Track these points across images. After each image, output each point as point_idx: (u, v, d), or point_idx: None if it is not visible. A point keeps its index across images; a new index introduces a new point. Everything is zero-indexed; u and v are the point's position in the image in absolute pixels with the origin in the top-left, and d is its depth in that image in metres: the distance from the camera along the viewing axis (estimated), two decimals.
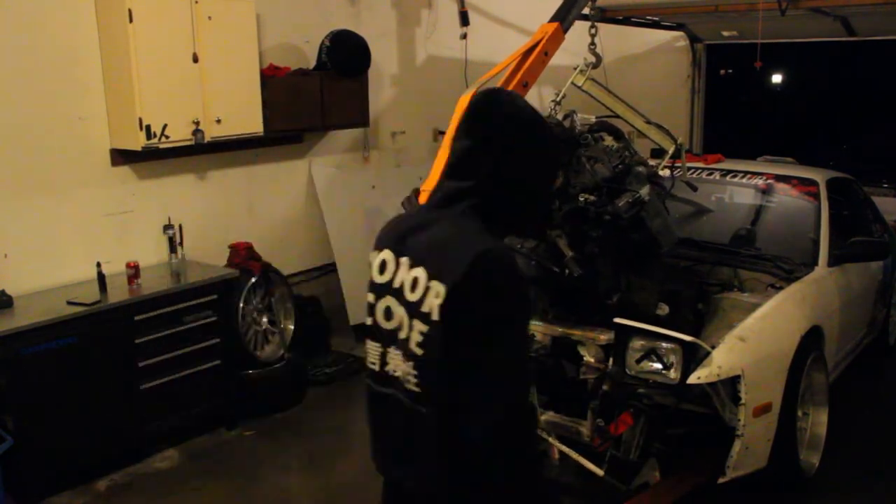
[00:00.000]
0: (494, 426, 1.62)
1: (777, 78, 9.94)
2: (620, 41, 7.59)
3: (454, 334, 1.62)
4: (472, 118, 1.75)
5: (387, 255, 1.79)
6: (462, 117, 1.77)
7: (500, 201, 1.71)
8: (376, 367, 1.83)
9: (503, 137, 1.71)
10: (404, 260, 1.73)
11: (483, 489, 1.68)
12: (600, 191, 3.49)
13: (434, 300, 1.63)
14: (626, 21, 6.93)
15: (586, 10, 4.66)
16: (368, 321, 1.86)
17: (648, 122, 4.44)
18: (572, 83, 4.28)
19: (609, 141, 3.75)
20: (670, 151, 4.39)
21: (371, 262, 1.85)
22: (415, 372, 1.69)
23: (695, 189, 4.53)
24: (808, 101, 9.84)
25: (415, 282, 1.68)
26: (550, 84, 4.71)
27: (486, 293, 1.60)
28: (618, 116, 4.36)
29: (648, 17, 7.25)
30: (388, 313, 1.78)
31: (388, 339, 1.78)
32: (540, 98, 7.46)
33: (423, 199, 2.64)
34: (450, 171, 1.75)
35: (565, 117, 3.91)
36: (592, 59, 4.20)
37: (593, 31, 4.00)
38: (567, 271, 3.45)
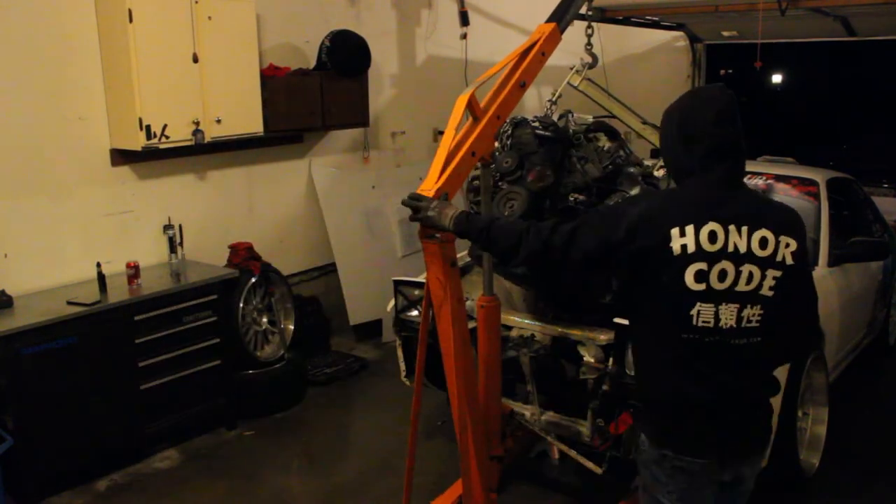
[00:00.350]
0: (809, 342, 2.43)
1: (777, 78, 9.94)
2: (620, 41, 7.59)
3: (798, 274, 2.21)
4: (733, 111, 2.27)
5: (714, 226, 2.15)
6: (721, 110, 2.25)
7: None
8: (710, 324, 2.17)
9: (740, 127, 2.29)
10: (733, 227, 2.15)
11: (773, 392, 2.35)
12: (590, 190, 3.50)
13: (786, 250, 2.17)
14: (626, 21, 6.93)
15: (583, 10, 4.66)
16: (698, 287, 2.14)
17: (644, 123, 4.44)
18: (568, 83, 4.28)
19: (604, 141, 3.75)
20: None
21: (676, 236, 2.14)
22: (761, 312, 2.17)
23: None
24: (808, 101, 9.84)
25: (764, 240, 2.16)
26: (550, 84, 4.71)
27: (804, 234, 2.26)
28: (614, 116, 4.36)
29: (648, 17, 7.25)
30: (724, 275, 2.14)
31: (722, 297, 2.15)
32: (539, 97, 7.47)
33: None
34: (721, 155, 2.22)
35: (560, 117, 3.91)
36: (589, 59, 4.20)
37: (590, 31, 4.00)
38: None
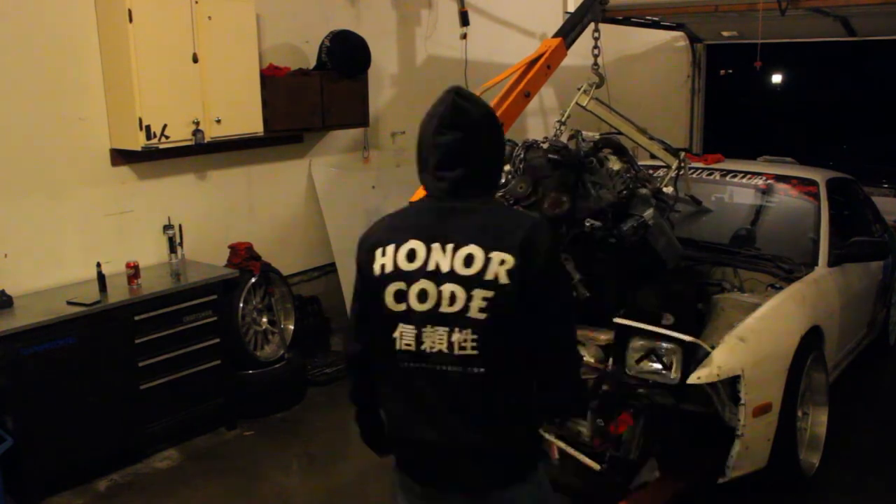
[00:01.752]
0: (577, 386, 2.11)
1: (777, 78, 9.94)
2: (620, 41, 7.59)
3: (520, 294, 1.92)
4: (456, 117, 2.02)
5: (414, 244, 2.01)
6: (442, 114, 2.03)
7: (490, 178, 2.08)
8: (412, 348, 2.00)
9: (483, 128, 2.04)
10: (437, 245, 1.98)
11: (523, 440, 2.04)
12: (605, 216, 3.53)
13: (500, 268, 1.91)
14: (626, 21, 6.93)
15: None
16: (399, 308, 2.01)
17: (651, 139, 4.48)
18: (577, 103, 4.31)
19: (613, 162, 3.78)
20: (673, 167, 4.44)
21: (378, 256, 2.07)
22: (474, 336, 1.93)
23: (699, 203, 4.55)
24: (808, 101, 9.83)
25: (469, 258, 1.94)
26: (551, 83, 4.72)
27: (545, 255, 1.95)
28: (622, 133, 4.40)
29: (648, 17, 7.24)
30: (423, 295, 1.98)
31: (424, 319, 1.98)
32: (541, 105, 7.47)
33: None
34: (440, 165, 2.02)
35: (571, 138, 3.93)
36: (596, 79, 4.23)
37: (596, 52, 4.04)
38: (575, 294, 3.52)
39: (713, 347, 3.30)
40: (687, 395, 3.32)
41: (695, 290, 3.95)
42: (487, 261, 1.93)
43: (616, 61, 4.60)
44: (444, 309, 1.96)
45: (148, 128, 4.31)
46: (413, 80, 6.51)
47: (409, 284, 2.00)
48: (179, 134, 4.46)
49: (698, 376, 3.19)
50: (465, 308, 1.94)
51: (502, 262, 1.92)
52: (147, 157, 4.63)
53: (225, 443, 4.57)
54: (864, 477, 4.10)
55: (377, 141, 6.30)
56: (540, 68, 3.18)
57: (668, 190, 4.13)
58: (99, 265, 4.31)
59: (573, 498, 3.96)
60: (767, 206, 4.89)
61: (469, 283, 1.94)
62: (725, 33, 7.51)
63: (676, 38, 8.33)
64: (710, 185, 5.00)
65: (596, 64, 4.19)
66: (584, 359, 3.47)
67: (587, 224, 3.52)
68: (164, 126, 4.37)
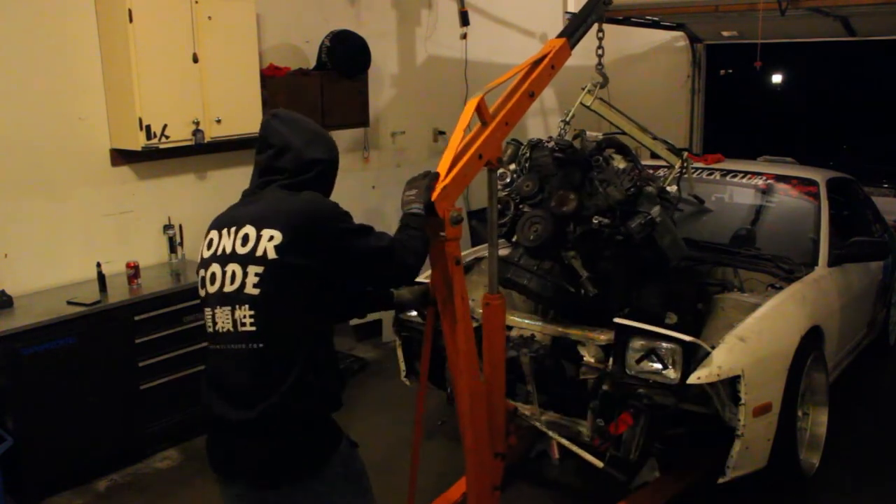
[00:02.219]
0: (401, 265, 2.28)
1: (777, 78, 9.94)
2: (620, 41, 7.59)
3: (291, 268, 2.04)
4: (270, 133, 2.31)
5: (213, 234, 2.22)
6: (266, 121, 2.33)
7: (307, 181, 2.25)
8: (211, 329, 2.16)
9: (298, 141, 2.27)
10: (226, 230, 2.16)
11: (309, 422, 2.11)
12: (613, 213, 3.54)
13: (269, 244, 2.04)
14: (626, 21, 6.93)
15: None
16: (202, 293, 2.20)
17: (655, 139, 4.50)
18: (581, 103, 4.33)
19: (618, 161, 3.79)
20: (676, 167, 4.44)
21: (203, 247, 2.25)
22: (251, 312, 2.05)
23: (702, 202, 4.55)
24: (808, 101, 9.84)
25: (245, 237, 2.09)
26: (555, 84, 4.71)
27: (312, 227, 2.08)
28: (625, 133, 4.41)
29: (648, 17, 7.24)
30: (213, 278, 2.15)
31: (214, 300, 2.14)
32: (542, 105, 7.46)
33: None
34: (262, 172, 2.31)
35: (575, 137, 3.94)
36: (600, 79, 4.25)
37: (600, 52, 4.05)
38: (583, 291, 3.52)
39: (713, 347, 3.30)
40: (687, 395, 3.31)
41: (695, 290, 3.95)
42: (258, 238, 2.07)
43: (616, 61, 4.61)
44: (227, 289, 2.10)
45: (148, 128, 4.31)
46: (413, 80, 6.51)
47: (205, 269, 2.18)
48: (179, 134, 4.46)
49: (698, 376, 3.19)
50: (242, 285, 2.07)
51: (271, 238, 2.05)
52: (147, 157, 4.63)
53: None
54: (864, 477, 4.10)
55: (377, 141, 6.30)
56: (544, 68, 3.19)
57: (672, 189, 4.14)
58: (99, 265, 4.31)
59: (573, 498, 3.97)
60: (767, 206, 4.89)
61: (244, 260, 2.08)
62: (725, 33, 7.51)
63: (676, 38, 8.33)
64: (710, 185, 5.00)
65: (600, 64, 4.20)
66: (585, 359, 3.47)
67: (595, 221, 3.51)
68: (165, 126, 4.37)
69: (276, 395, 2.04)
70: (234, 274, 2.09)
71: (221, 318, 2.11)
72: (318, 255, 2.07)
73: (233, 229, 2.13)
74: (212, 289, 2.14)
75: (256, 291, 2.05)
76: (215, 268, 2.14)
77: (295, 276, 2.05)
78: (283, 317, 2.06)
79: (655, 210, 3.54)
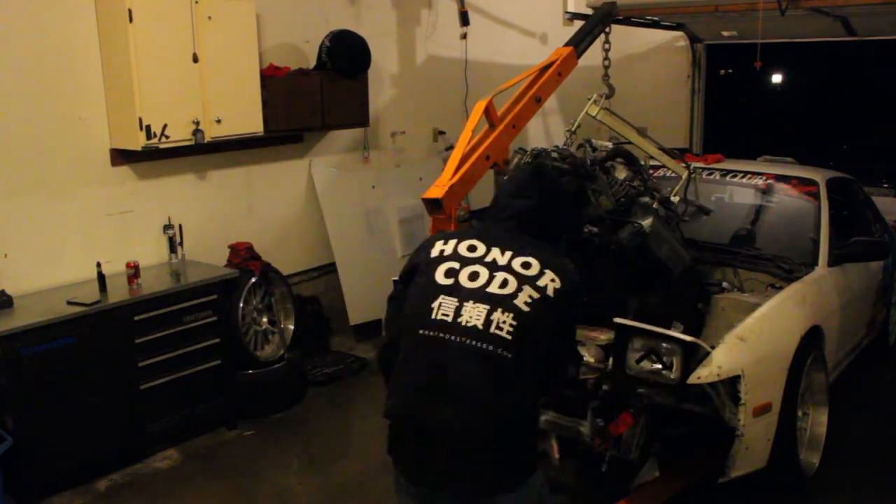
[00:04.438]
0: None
1: (777, 78, 9.93)
2: (620, 41, 7.56)
3: (555, 310, 2.17)
4: (531, 183, 2.37)
5: (476, 242, 2.26)
6: (519, 178, 2.41)
7: (555, 234, 2.39)
8: (449, 318, 2.15)
9: (553, 201, 2.38)
10: (498, 248, 2.23)
11: (525, 438, 2.16)
12: (603, 222, 3.59)
13: (550, 283, 2.17)
14: (626, 21, 6.92)
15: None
16: (446, 282, 2.20)
17: (661, 149, 4.52)
18: (587, 113, 4.36)
19: (621, 171, 3.82)
20: (683, 177, 4.46)
21: (441, 245, 2.29)
22: (515, 323, 2.11)
23: (707, 213, 4.56)
24: (808, 101, 9.83)
25: (527, 264, 2.19)
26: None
27: (575, 296, 2.25)
28: (632, 143, 4.44)
29: (648, 17, 7.24)
30: (475, 276, 2.19)
31: (469, 295, 2.16)
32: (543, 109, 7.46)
33: (433, 193, 2.72)
34: (511, 213, 2.33)
35: (579, 147, 3.98)
36: (606, 90, 4.28)
37: (607, 62, 4.09)
38: None
39: (713, 347, 3.30)
40: (687, 395, 3.32)
41: (695, 290, 3.95)
42: (542, 273, 2.17)
43: (616, 61, 4.62)
44: (493, 289, 2.15)
45: (148, 128, 4.31)
46: (413, 80, 6.51)
47: (462, 265, 2.21)
48: (179, 134, 4.46)
49: (698, 376, 3.19)
50: (514, 295, 2.13)
51: (553, 280, 2.17)
52: (147, 157, 4.63)
53: (225, 443, 4.57)
54: (864, 477, 4.10)
55: (377, 141, 6.30)
56: (551, 75, 3.27)
57: (676, 199, 4.19)
58: (99, 265, 4.31)
59: (573, 498, 3.97)
60: (767, 206, 4.89)
61: (523, 279, 2.16)
62: (725, 33, 7.51)
63: (676, 38, 8.33)
64: (710, 185, 5.00)
65: (606, 75, 4.25)
66: (584, 359, 3.47)
67: (585, 230, 3.55)
68: (165, 126, 4.37)
69: (508, 406, 2.10)
70: (505, 281, 2.16)
71: (469, 313, 2.13)
72: (563, 320, 2.23)
73: (508, 253, 2.21)
74: (468, 283, 2.17)
75: (527, 309, 2.12)
76: (479, 268, 2.19)
77: (551, 322, 2.17)
78: (533, 344, 2.13)
79: (648, 221, 3.58)
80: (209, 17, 4.49)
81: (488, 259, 2.21)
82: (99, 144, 4.49)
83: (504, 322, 2.10)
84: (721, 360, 3.24)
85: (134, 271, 4.33)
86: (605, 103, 4.38)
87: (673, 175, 4.69)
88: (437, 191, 2.74)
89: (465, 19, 6.77)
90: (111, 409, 4.08)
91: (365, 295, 5.82)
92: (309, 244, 5.83)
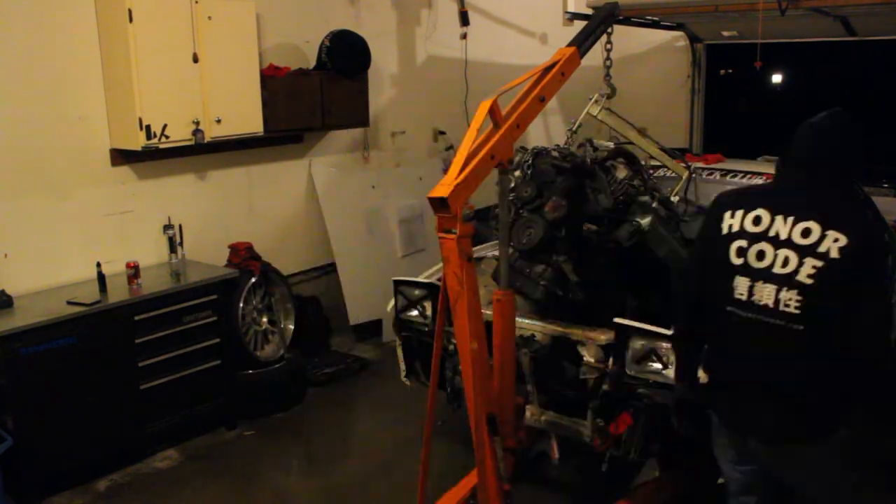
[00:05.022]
0: (884, 354, 2.39)
1: (777, 78, 9.93)
2: (620, 41, 7.56)
3: (846, 271, 2.27)
4: (832, 133, 2.57)
5: (761, 211, 2.43)
6: (818, 130, 2.54)
7: (844, 175, 2.53)
8: (744, 297, 2.42)
9: (849, 148, 2.57)
10: (781, 217, 2.38)
11: (826, 400, 2.38)
12: (602, 221, 3.61)
13: (834, 244, 2.27)
14: (626, 21, 6.92)
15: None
16: (738, 261, 2.45)
17: (662, 149, 4.53)
18: (588, 113, 4.37)
19: (621, 170, 3.83)
20: (684, 177, 4.47)
21: (729, 218, 2.50)
22: (799, 298, 2.31)
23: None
24: (809, 101, 9.82)
25: (807, 231, 2.32)
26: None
27: (871, 250, 2.30)
28: (632, 143, 4.45)
29: (648, 17, 7.23)
30: (761, 255, 2.40)
31: (758, 275, 2.40)
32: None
33: (439, 192, 2.73)
34: (796, 165, 2.49)
35: (580, 146, 4.00)
36: (607, 90, 4.29)
37: (609, 63, 4.11)
38: (570, 295, 3.58)
39: None
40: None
41: None
42: (823, 237, 2.29)
43: (616, 61, 4.63)
44: (777, 270, 2.36)
45: (148, 128, 4.31)
46: (413, 80, 6.51)
47: (750, 244, 2.43)
48: (179, 134, 4.46)
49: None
50: (795, 272, 2.32)
51: (836, 240, 2.27)
52: (147, 157, 4.63)
53: (225, 443, 4.57)
54: (864, 477, 4.09)
55: (377, 141, 6.30)
56: (554, 75, 3.32)
57: (676, 199, 4.20)
58: (99, 265, 4.31)
59: (573, 498, 3.97)
60: None
61: (803, 251, 2.32)
62: (725, 33, 7.51)
63: (676, 38, 8.33)
64: (710, 185, 4.99)
65: (608, 75, 4.26)
66: (585, 359, 3.47)
67: (584, 228, 3.57)
68: (164, 126, 4.37)
69: (808, 373, 2.36)
70: (787, 259, 2.34)
71: (761, 292, 2.38)
72: (862, 278, 2.30)
73: (779, 218, 2.37)
74: (756, 263, 2.40)
75: (810, 281, 2.29)
76: (765, 247, 2.39)
77: (844, 282, 2.29)
78: (827, 309, 2.31)
79: (646, 220, 3.60)
80: (209, 17, 4.50)
81: (772, 233, 2.38)
82: (99, 144, 4.49)
83: (790, 299, 2.33)
84: None
85: (134, 271, 4.33)
86: (605, 103, 4.39)
87: (673, 175, 4.69)
88: (442, 190, 2.75)
89: (465, 19, 6.77)
90: (111, 409, 4.09)
91: (365, 295, 5.82)
92: (309, 244, 5.83)
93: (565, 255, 3.59)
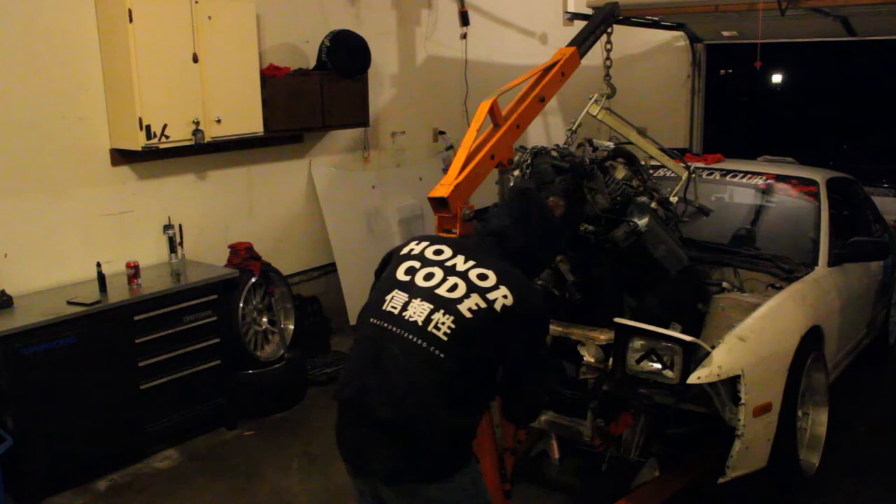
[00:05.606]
0: (530, 410, 2.47)
1: (777, 78, 9.94)
2: (620, 41, 7.57)
3: (500, 325, 2.22)
4: (520, 206, 2.48)
5: (445, 247, 2.37)
6: (510, 199, 2.53)
7: (528, 260, 2.45)
8: (396, 311, 2.27)
9: (536, 230, 2.45)
10: (462, 258, 2.31)
11: (451, 437, 2.20)
12: (599, 221, 3.61)
13: (501, 298, 2.22)
14: (626, 21, 6.93)
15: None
16: (403, 278, 2.33)
17: (662, 150, 4.53)
18: (587, 113, 4.37)
19: (620, 170, 3.83)
20: (683, 177, 4.47)
21: (409, 245, 2.44)
22: (453, 326, 2.19)
23: (707, 214, 4.58)
24: (808, 101, 9.83)
25: (483, 276, 2.26)
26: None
27: (532, 313, 2.29)
28: (632, 143, 4.45)
29: (648, 17, 7.25)
30: (430, 276, 2.30)
31: (419, 293, 2.27)
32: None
33: (439, 192, 2.74)
34: (492, 229, 2.45)
35: (579, 146, 4.00)
36: (607, 90, 4.29)
37: (609, 63, 4.11)
38: (567, 295, 3.58)
39: (713, 347, 3.30)
40: (687, 395, 3.32)
41: (694, 290, 3.95)
42: (496, 287, 2.23)
43: (616, 61, 4.62)
44: (441, 292, 2.24)
45: (148, 128, 4.31)
46: (413, 80, 6.51)
47: (422, 266, 2.33)
48: (179, 134, 4.46)
49: (698, 376, 3.19)
50: (459, 300, 2.22)
51: (505, 297, 2.22)
52: (147, 157, 4.63)
53: (225, 443, 4.57)
54: (864, 477, 4.10)
55: (377, 141, 6.30)
56: (554, 75, 3.32)
57: (675, 200, 4.20)
58: (99, 265, 4.31)
59: (573, 498, 3.97)
60: (767, 206, 4.89)
61: (473, 288, 2.24)
62: (725, 33, 7.52)
63: (676, 38, 8.33)
64: (710, 185, 5.00)
65: (608, 75, 4.26)
66: (585, 359, 3.47)
67: (581, 228, 3.57)
68: (164, 126, 4.37)
69: (437, 403, 2.17)
70: (455, 286, 2.25)
71: (414, 308, 2.24)
72: (514, 337, 2.26)
73: (461, 257, 2.31)
74: (422, 282, 2.28)
75: (469, 315, 2.20)
76: (436, 270, 2.30)
77: (497, 336, 2.23)
78: (471, 350, 2.20)
79: (643, 221, 3.59)
80: (209, 17, 4.50)
81: (448, 263, 2.30)
82: (99, 144, 4.49)
83: (443, 324, 2.19)
84: (721, 360, 3.24)
85: (134, 271, 4.33)
86: (605, 103, 4.39)
87: (673, 175, 4.69)
88: (442, 189, 2.76)
89: (465, 19, 6.78)
90: (111, 409, 4.08)
91: (365, 295, 5.76)
92: (309, 244, 5.83)
93: (562, 255, 3.59)
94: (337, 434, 2.38)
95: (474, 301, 2.21)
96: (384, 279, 2.39)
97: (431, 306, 2.22)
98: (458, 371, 2.18)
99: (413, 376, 2.17)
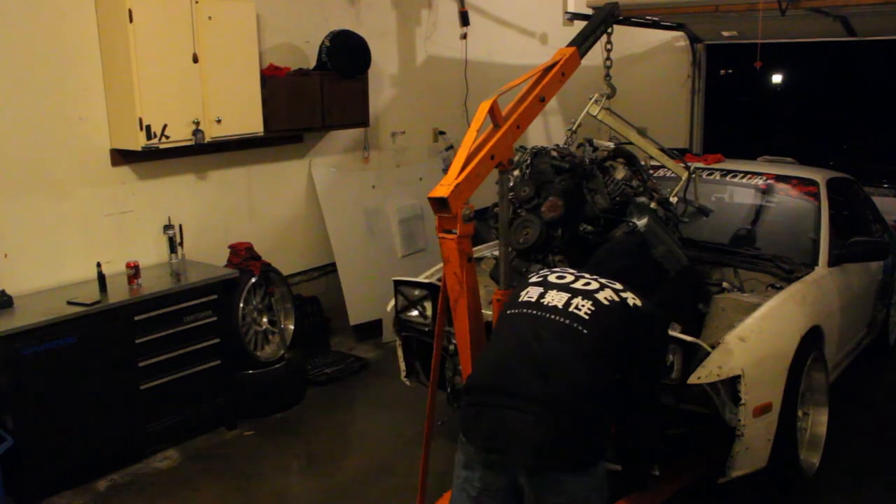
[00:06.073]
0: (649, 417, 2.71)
1: (777, 78, 9.93)
2: (620, 41, 7.57)
3: (632, 321, 2.47)
4: (628, 255, 2.98)
5: (566, 274, 2.62)
6: (620, 248, 3.08)
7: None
8: (534, 299, 2.48)
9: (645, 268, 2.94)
10: (587, 274, 2.59)
11: (593, 424, 2.30)
12: (598, 221, 3.63)
13: (633, 298, 2.49)
14: (626, 21, 6.93)
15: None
16: (535, 280, 2.61)
17: (662, 150, 4.53)
18: (587, 113, 4.38)
19: (620, 171, 3.84)
20: (684, 178, 4.47)
21: (531, 277, 2.71)
22: (593, 308, 2.40)
23: (707, 214, 4.58)
24: (808, 101, 9.82)
25: (612, 283, 2.54)
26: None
27: (657, 320, 2.57)
28: (632, 144, 4.45)
29: (648, 17, 7.25)
30: (562, 277, 2.59)
31: (554, 287, 2.52)
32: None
33: (439, 192, 2.75)
34: (605, 265, 2.76)
35: (579, 146, 4.01)
36: (607, 90, 4.30)
37: (609, 63, 4.12)
38: None
39: (713, 347, 3.30)
40: (687, 395, 3.32)
41: (694, 290, 3.95)
42: (625, 290, 2.51)
43: (616, 61, 4.62)
44: (576, 286, 2.49)
45: (148, 128, 4.31)
46: (413, 80, 6.51)
47: (551, 274, 2.62)
48: (179, 134, 4.46)
49: (698, 376, 3.19)
50: (595, 291, 2.47)
51: (634, 298, 2.49)
52: (147, 157, 4.63)
53: (225, 443, 4.57)
54: (864, 477, 4.10)
55: (377, 141, 6.30)
56: (555, 75, 3.33)
57: (675, 200, 4.20)
58: (99, 265, 4.31)
59: None
60: (767, 206, 4.89)
61: (605, 285, 2.50)
62: (725, 33, 7.52)
63: (676, 38, 8.33)
64: (710, 185, 5.00)
65: (608, 76, 4.27)
66: None
67: (580, 228, 3.57)
68: (165, 126, 4.37)
69: (587, 379, 2.35)
70: (588, 282, 2.51)
71: (552, 296, 2.45)
72: (641, 340, 2.50)
73: (595, 277, 2.58)
74: (555, 280, 2.56)
75: (606, 302, 2.44)
76: (567, 274, 2.60)
77: (628, 330, 2.45)
78: (611, 333, 2.40)
79: (643, 221, 3.60)
80: (209, 17, 4.50)
81: (576, 275, 2.57)
82: (99, 144, 4.49)
83: (583, 306, 2.40)
84: (721, 360, 3.24)
85: (134, 271, 4.33)
86: (605, 103, 4.39)
87: (673, 175, 4.69)
88: (442, 190, 2.76)
89: (465, 19, 6.78)
90: (111, 409, 4.09)
91: (365, 295, 5.82)
92: (309, 244, 5.83)
93: (561, 255, 3.60)
94: (468, 421, 2.38)
95: (609, 293, 2.44)
96: (514, 291, 2.63)
97: (569, 295, 2.43)
98: (597, 350, 2.33)
99: (558, 351, 2.31)
